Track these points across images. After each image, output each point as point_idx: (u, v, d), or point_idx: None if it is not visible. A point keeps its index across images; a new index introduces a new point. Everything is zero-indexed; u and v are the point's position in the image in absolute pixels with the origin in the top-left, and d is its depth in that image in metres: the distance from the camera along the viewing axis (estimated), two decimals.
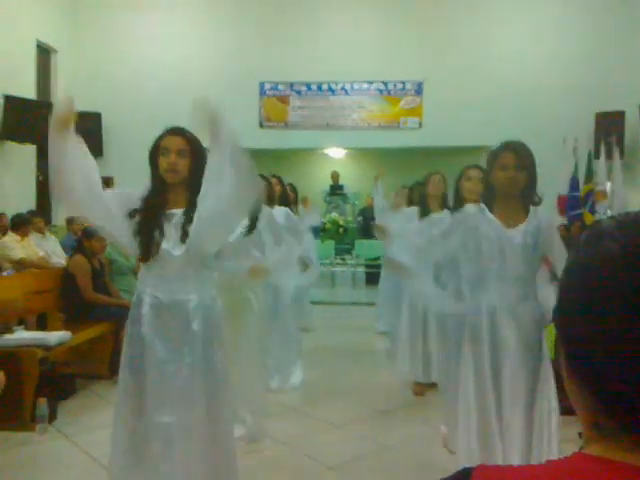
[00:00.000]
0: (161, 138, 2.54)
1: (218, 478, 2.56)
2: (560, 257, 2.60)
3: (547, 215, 2.78)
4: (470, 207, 2.79)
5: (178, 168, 2.49)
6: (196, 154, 2.53)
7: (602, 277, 0.63)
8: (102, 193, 2.48)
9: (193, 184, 2.51)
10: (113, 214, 2.48)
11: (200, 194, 2.43)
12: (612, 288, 0.62)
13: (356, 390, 4.89)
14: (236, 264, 3.41)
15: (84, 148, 2.46)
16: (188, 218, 2.49)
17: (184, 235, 2.48)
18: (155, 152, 2.54)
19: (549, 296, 2.57)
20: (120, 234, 2.54)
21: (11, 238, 6.47)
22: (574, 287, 0.67)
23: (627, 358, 0.60)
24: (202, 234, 2.46)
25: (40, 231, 7.15)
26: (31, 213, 7.16)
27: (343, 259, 11.73)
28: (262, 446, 3.67)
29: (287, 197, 5.59)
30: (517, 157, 2.61)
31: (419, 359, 4.72)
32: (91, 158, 2.48)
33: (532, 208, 2.69)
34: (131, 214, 2.49)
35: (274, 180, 5.60)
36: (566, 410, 2.70)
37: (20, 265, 6.17)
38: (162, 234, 2.48)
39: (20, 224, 6.60)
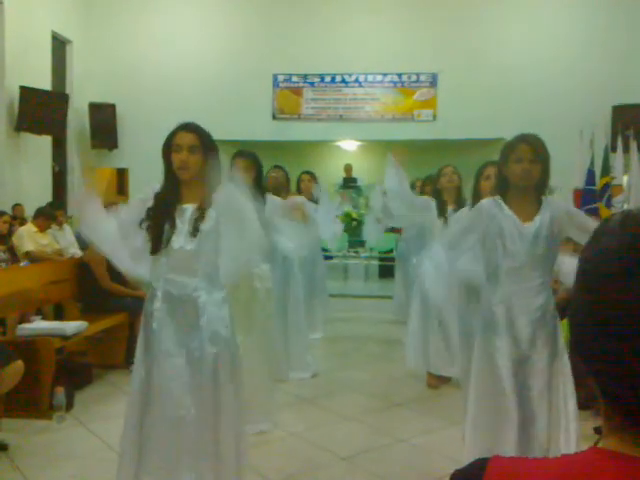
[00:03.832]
0: (173, 134, 2.55)
1: (225, 470, 2.54)
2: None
3: (560, 203, 2.78)
4: (486, 201, 2.79)
5: (190, 165, 2.51)
6: (208, 149, 2.54)
7: (621, 265, 0.63)
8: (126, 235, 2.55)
9: (207, 179, 2.52)
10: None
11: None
12: (628, 277, 0.62)
13: (369, 382, 4.90)
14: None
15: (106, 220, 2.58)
16: (201, 214, 2.50)
17: (195, 230, 2.49)
18: (167, 149, 2.55)
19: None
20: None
21: (27, 229, 6.47)
22: (589, 274, 0.67)
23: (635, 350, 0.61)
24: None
25: (59, 224, 7.17)
26: (53, 206, 7.13)
27: (356, 252, 11.71)
28: (272, 437, 3.69)
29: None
30: (532, 150, 2.61)
31: (430, 350, 4.67)
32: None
33: (544, 199, 2.70)
34: (141, 222, 2.52)
35: (307, 177, 5.77)
36: (580, 405, 2.70)
37: (29, 257, 6.16)
38: (173, 228, 2.50)
39: (42, 217, 6.59)
